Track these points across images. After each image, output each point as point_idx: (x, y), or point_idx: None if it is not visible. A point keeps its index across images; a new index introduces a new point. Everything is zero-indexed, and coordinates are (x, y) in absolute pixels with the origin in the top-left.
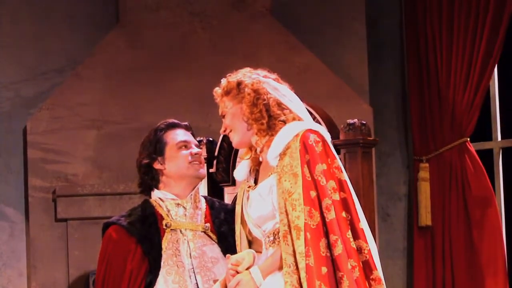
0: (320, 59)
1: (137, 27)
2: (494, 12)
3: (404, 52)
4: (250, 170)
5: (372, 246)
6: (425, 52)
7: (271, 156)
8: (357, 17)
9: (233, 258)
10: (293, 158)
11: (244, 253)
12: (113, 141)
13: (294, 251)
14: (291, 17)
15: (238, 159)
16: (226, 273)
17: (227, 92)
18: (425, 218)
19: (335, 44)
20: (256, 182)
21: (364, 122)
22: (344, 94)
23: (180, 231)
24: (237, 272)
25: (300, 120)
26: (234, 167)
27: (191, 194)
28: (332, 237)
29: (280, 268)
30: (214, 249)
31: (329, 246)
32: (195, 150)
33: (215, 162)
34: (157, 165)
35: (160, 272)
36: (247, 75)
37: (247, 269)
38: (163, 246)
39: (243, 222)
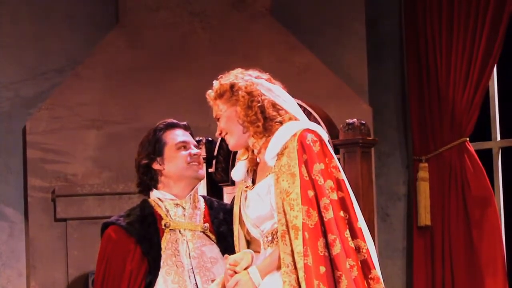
0: (320, 59)
1: (137, 27)
2: (494, 11)
3: (403, 52)
4: (247, 170)
5: (370, 245)
6: (424, 52)
7: (269, 156)
8: (357, 17)
9: (231, 258)
10: (290, 158)
11: (242, 253)
12: (112, 141)
13: (292, 251)
14: (291, 17)
15: (237, 159)
16: (225, 273)
17: (220, 95)
18: (425, 218)
19: (335, 44)
20: (253, 183)
21: (364, 122)
22: (343, 94)
23: (179, 231)
24: (235, 272)
25: (297, 120)
26: (233, 167)
27: (190, 194)
28: (330, 237)
29: (279, 267)
30: (213, 249)
31: (327, 246)
32: (194, 150)
33: (214, 162)
34: (156, 166)
35: (160, 272)
36: (240, 77)
37: (245, 269)
38: (162, 246)
39: (241, 222)
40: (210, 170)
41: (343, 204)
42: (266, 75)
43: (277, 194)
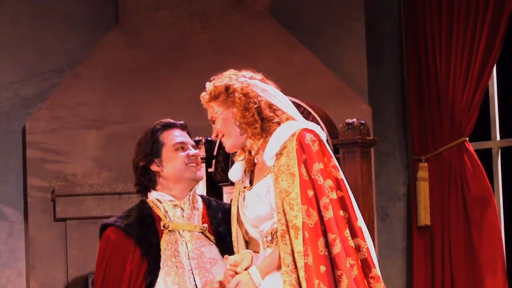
0: (320, 59)
1: (137, 27)
2: (494, 11)
3: (403, 52)
4: (244, 171)
5: (370, 244)
6: (424, 52)
7: (268, 156)
8: (357, 17)
9: (231, 259)
10: (289, 158)
11: (242, 254)
12: (112, 141)
13: (292, 250)
14: (290, 17)
15: (234, 160)
16: (224, 274)
17: (215, 97)
18: (424, 218)
19: (334, 44)
20: (251, 183)
21: (363, 122)
22: (343, 94)
23: (178, 232)
24: (236, 273)
25: (294, 120)
26: None
27: (189, 195)
28: (331, 236)
29: (279, 267)
30: (212, 250)
31: (327, 245)
32: (192, 151)
33: (214, 162)
34: (154, 167)
35: (160, 273)
36: (234, 78)
37: (245, 269)
38: (161, 247)
39: (239, 222)
40: (209, 170)
41: (343, 203)
42: (259, 76)
43: (277, 194)
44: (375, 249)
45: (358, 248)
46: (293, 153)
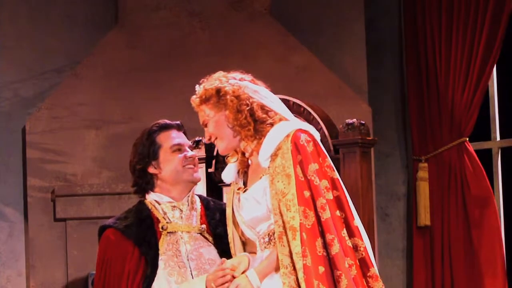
0: (319, 59)
1: (136, 27)
2: (493, 12)
3: (403, 52)
4: (238, 172)
5: (367, 243)
6: (424, 52)
7: (263, 157)
8: (356, 18)
9: (228, 263)
10: (285, 159)
11: (239, 258)
12: (112, 141)
13: (290, 252)
14: (290, 17)
15: (226, 161)
16: (215, 275)
17: (206, 100)
18: (424, 218)
19: (334, 44)
20: (245, 184)
21: (363, 122)
22: (343, 94)
23: (178, 233)
24: (233, 277)
25: (287, 120)
26: None
27: (188, 196)
28: (329, 236)
29: (277, 269)
30: (211, 251)
31: (325, 246)
32: (189, 153)
33: (214, 162)
34: (151, 170)
35: (162, 274)
36: (224, 81)
37: (242, 273)
38: (160, 248)
39: (235, 223)
40: (209, 170)
41: (339, 203)
42: (249, 76)
43: (273, 195)
44: (375, 249)
45: (355, 248)
46: (288, 154)
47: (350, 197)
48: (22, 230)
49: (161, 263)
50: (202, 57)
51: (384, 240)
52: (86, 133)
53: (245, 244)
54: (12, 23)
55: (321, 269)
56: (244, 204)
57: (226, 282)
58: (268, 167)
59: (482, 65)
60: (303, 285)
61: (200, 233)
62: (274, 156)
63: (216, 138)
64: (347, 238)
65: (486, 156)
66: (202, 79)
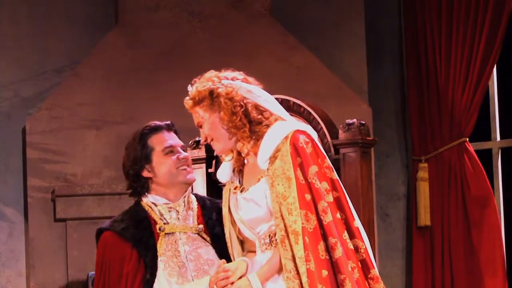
0: (319, 59)
1: (136, 27)
2: (493, 12)
3: (403, 53)
4: (233, 170)
5: (367, 245)
6: (424, 52)
7: (261, 159)
8: (356, 18)
9: (226, 267)
10: (284, 162)
11: (237, 262)
12: (112, 141)
13: (293, 256)
14: (290, 18)
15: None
16: (215, 277)
17: (199, 101)
18: (424, 218)
19: (334, 44)
20: (241, 183)
21: (363, 122)
22: (343, 94)
23: (176, 233)
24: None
25: (283, 120)
26: None
27: (184, 197)
28: (331, 240)
29: (279, 271)
30: (209, 251)
31: (328, 249)
32: (182, 154)
33: (213, 162)
34: (146, 173)
35: (162, 275)
36: (216, 81)
37: (240, 277)
38: (159, 249)
39: (232, 222)
40: (209, 170)
41: (339, 204)
42: (241, 74)
43: (273, 198)
44: (375, 249)
45: (356, 249)
46: (288, 156)
47: (350, 197)
48: (22, 230)
49: (161, 264)
50: (202, 57)
51: (384, 240)
52: (86, 133)
53: (243, 242)
54: (12, 23)
55: (325, 272)
56: (242, 204)
57: (227, 284)
58: (267, 169)
59: (482, 65)
60: None
61: (198, 233)
62: (273, 158)
63: (212, 140)
64: (348, 240)
65: (486, 156)
66: (194, 79)
